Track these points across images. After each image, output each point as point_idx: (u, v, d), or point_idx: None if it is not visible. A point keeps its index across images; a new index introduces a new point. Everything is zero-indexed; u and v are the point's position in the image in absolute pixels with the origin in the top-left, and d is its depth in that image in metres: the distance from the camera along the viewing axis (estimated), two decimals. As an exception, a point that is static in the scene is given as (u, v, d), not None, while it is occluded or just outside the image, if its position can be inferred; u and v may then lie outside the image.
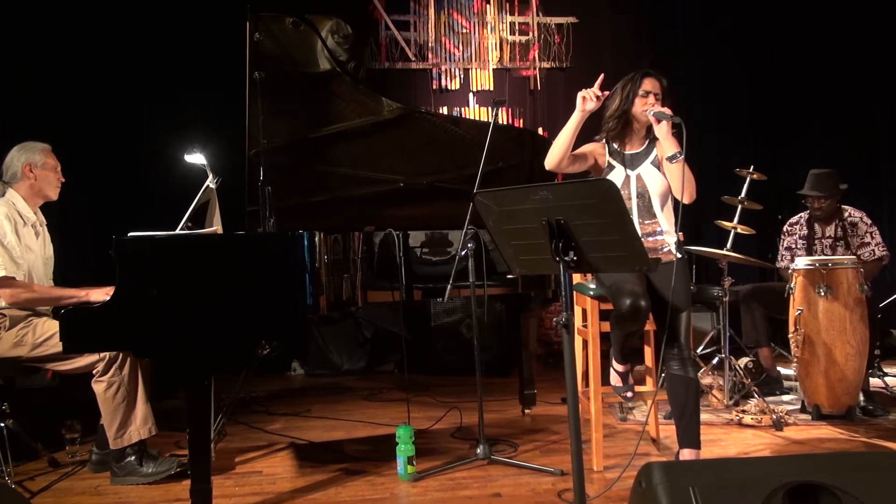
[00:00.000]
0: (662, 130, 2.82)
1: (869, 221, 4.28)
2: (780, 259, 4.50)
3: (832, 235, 4.30)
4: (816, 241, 4.34)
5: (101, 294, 2.93)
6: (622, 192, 2.84)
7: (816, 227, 4.37)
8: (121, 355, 2.95)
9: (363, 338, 5.61)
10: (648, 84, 2.91)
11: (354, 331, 5.61)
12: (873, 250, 4.20)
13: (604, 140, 3.00)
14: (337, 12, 3.58)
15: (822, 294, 3.62)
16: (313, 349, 5.57)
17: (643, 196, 2.92)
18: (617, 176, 2.93)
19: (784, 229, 4.52)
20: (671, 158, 2.80)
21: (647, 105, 2.87)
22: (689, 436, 2.82)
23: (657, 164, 2.92)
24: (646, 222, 2.91)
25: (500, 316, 5.20)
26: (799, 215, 4.48)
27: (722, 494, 1.72)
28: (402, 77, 6.02)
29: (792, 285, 3.76)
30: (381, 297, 3.35)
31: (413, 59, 6.03)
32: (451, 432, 3.70)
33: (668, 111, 2.81)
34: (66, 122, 4.99)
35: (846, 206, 4.34)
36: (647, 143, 2.98)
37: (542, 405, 4.17)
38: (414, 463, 3.00)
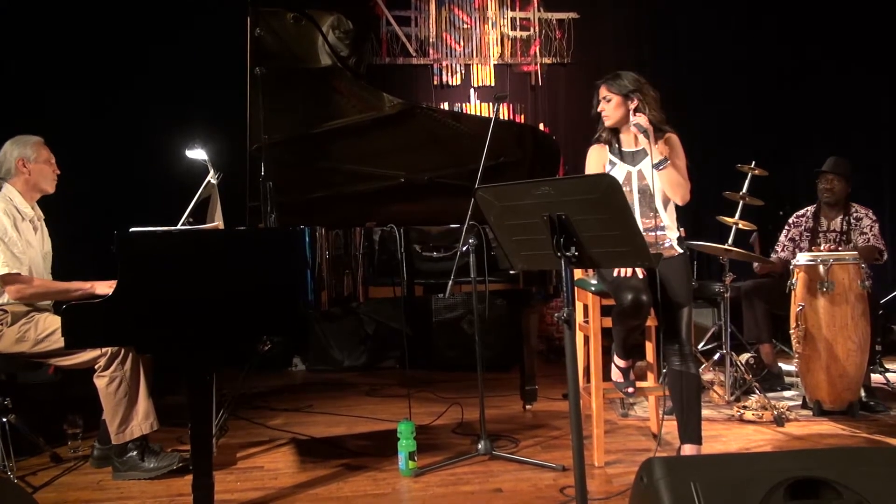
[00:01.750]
0: (644, 141, 2.85)
1: (874, 218, 4.30)
2: (779, 249, 4.49)
3: (837, 230, 4.30)
4: (821, 235, 4.34)
5: (105, 287, 2.93)
6: (623, 189, 2.86)
7: (822, 220, 4.38)
8: (123, 350, 2.95)
9: (364, 333, 5.62)
10: (600, 94, 2.97)
11: (356, 327, 5.62)
12: (868, 238, 4.21)
13: (604, 141, 3.02)
14: (338, 7, 3.57)
15: (824, 290, 3.62)
16: (314, 345, 5.58)
17: (644, 192, 2.92)
18: (618, 172, 2.94)
19: (790, 220, 4.52)
20: (657, 166, 2.82)
21: (605, 109, 2.94)
22: (691, 431, 2.82)
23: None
24: (647, 218, 2.91)
25: (501, 312, 5.20)
26: (805, 209, 4.48)
27: (723, 490, 1.72)
28: (403, 73, 6.02)
29: (793, 281, 3.76)
30: (383, 293, 3.35)
31: (414, 54, 6.02)
32: (453, 428, 3.71)
33: (643, 123, 2.81)
34: (68, 118, 4.98)
35: (854, 203, 4.35)
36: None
37: (544, 401, 4.17)
38: (415, 458, 3.00)
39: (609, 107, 2.93)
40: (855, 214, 4.30)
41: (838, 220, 4.32)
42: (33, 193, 3.20)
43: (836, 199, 4.32)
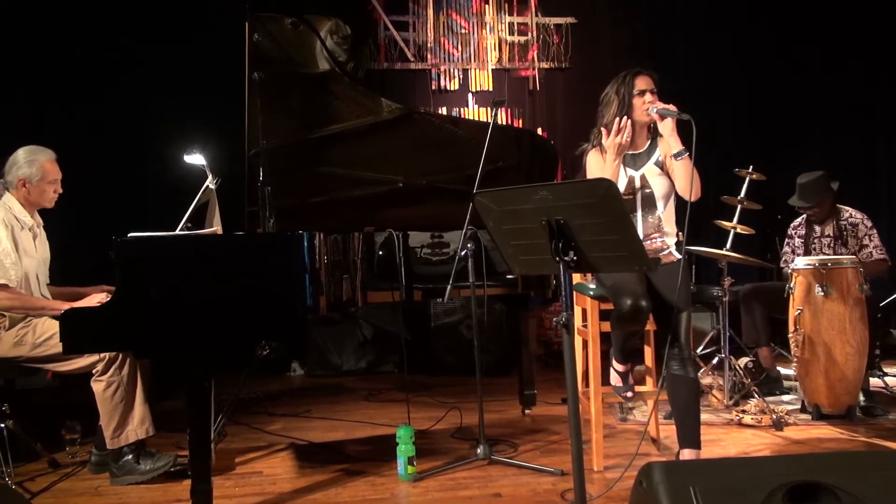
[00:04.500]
0: (667, 128, 2.78)
1: (869, 224, 4.25)
2: (783, 263, 4.51)
3: (830, 234, 4.30)
4: (815, 241, 4.34)
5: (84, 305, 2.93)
6: (627, 193, 2.85)
7: (815, 226, 4.37)
8: (120, 355, 2.95)
9: (363, 338, 5.61)
10: (642, 83, 2.87)
11: (354, 331, 5.61)
12: (871, 252, 4.18)
13: (601, 147, 2.94)
14: (336, 13, 3.58)
15: (822, 294, 3.62)
16: (313, 350, 5.57)
17: (648, 196, 2.90)
18: (620, 177, 2.90)
19: (788, 232, 4.52)
20: (677, 155, 2.78)
21: (646, 103, 2.84)
22: (690, 436, 2.82)
23: (660, 164, 2.90)
24: (649, 222, 2.90)
25: (499, 316, 5.20)
26: (800, 217, 4.48)
27: (722, 494, 1.72)
28: (401, 77, 6.03)
29: (792, 285, 3.76)
30: (381, 298, 3.35)
31: (412, 59, 6.03)
32: (452, 433, 3.70)
33: (672, 108, 2.77)
34: (66, 122, 4.99)
35: (846, 207, 4.33)
36: (649, 142, 2.95)
37: (542, 405, 4.17)
38: (414, 463, 3.00)
39: (653, 98, 2.86)
40: (850, 220, 4.27)
41: (829, 225, 4.32)
42: (33, 206, 3.20)
43: (823, 217, 4.33)
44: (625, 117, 2.77)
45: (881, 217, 6.08)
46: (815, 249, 4.30)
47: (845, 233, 4.25)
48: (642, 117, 2.88)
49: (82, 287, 3.26)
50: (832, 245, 4.26)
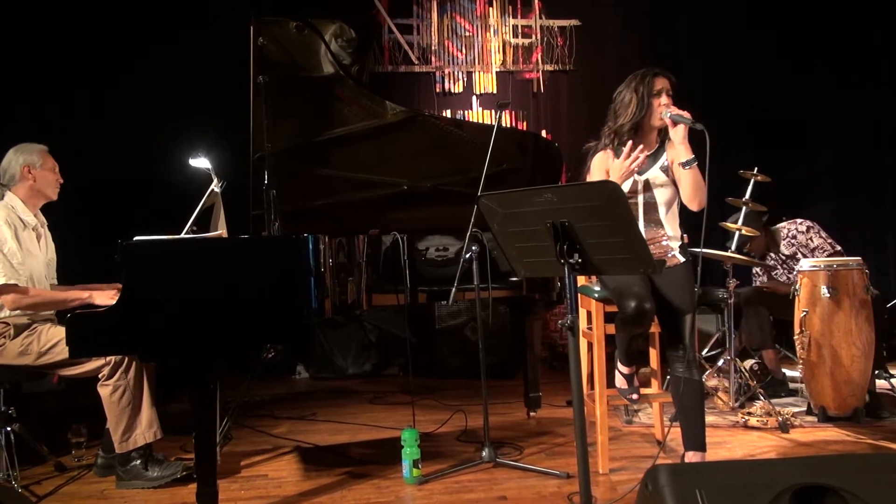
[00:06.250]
0: (679, 134, 2.74)
1: (804, 229, 4.41)
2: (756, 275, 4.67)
3: (785, 254, 4.45)
4: (779, 266, 4.51)
5: (104, 297, 2.94)
6: (629, 197, 2.84)
7: (770, 253, 4.57)
8: (126, 359, 2.95)
9: (368, 341, 5.62)
10: (660, 83, 2.82)
11: (359, 334, 5.62)
12: (815, 253, 4.31)
13: (610, 148, 2.91)
14: (340, 16, 3.59)
15: (828, 295, 3.61)
16: (318, 352, 5.58)
17: (650, 201, 2.88)
18: (625, 182, 2.87)
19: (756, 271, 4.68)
20: (686, 164, 2.75)
21: (663, 106, 2.80)
22: (695, 438, 2.81)
23: (666, 170, 2.88)
24: (651, 227, 2.89)
25: (504, 319, 5.20)
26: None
27: (728, 497, 1.72)
28: (406, 80, 6.04)
29: (797, 287, 3.75)
30: (386, 301, 3.35)
31: (416, 62, 6.04)
32: (457, 435, 3.70)
33: (686, 114, 2.72)
34: (71, 125, 5.01)
35: (782, 225, 4.49)
36: (657, 146, 2.92)
37: (547, 408, 4.16)
38: (419, 466, 3.00)
39: (669, 101, 2.81)
40: (789, 236, 4.43)
41: (777, 247, 4.50)
42: (37, 200, 3.19)
43: (763, 249, 4.52)
44: (640, 147, 2.75)
45: (885, 220, 6.08)
46: (778, 274, 4.49)
47: (793, 248, 4.40)
48: (655, 121, 2.85)
49: (91, 284, 3.24)
50: (787, 264, 4.44)
